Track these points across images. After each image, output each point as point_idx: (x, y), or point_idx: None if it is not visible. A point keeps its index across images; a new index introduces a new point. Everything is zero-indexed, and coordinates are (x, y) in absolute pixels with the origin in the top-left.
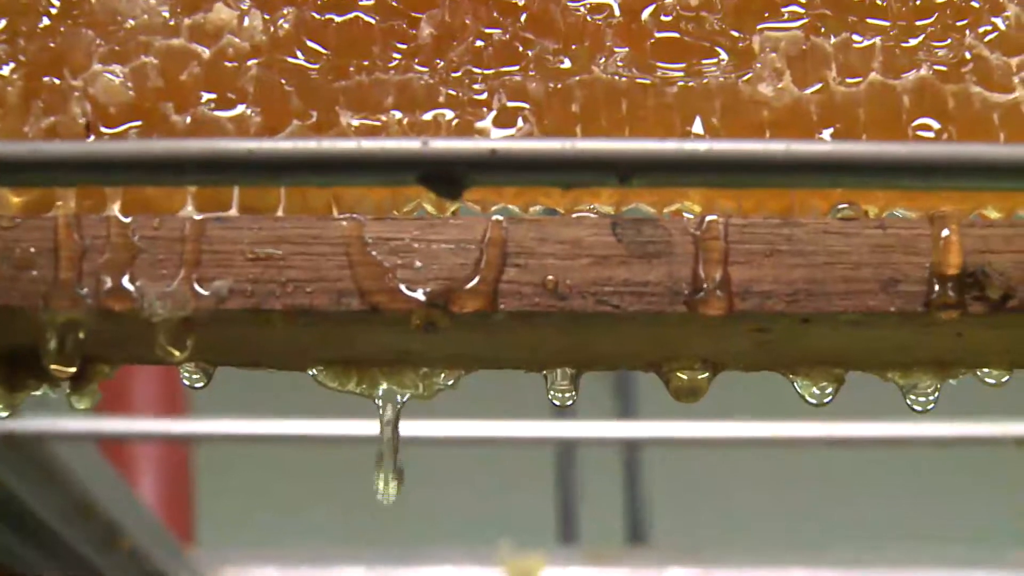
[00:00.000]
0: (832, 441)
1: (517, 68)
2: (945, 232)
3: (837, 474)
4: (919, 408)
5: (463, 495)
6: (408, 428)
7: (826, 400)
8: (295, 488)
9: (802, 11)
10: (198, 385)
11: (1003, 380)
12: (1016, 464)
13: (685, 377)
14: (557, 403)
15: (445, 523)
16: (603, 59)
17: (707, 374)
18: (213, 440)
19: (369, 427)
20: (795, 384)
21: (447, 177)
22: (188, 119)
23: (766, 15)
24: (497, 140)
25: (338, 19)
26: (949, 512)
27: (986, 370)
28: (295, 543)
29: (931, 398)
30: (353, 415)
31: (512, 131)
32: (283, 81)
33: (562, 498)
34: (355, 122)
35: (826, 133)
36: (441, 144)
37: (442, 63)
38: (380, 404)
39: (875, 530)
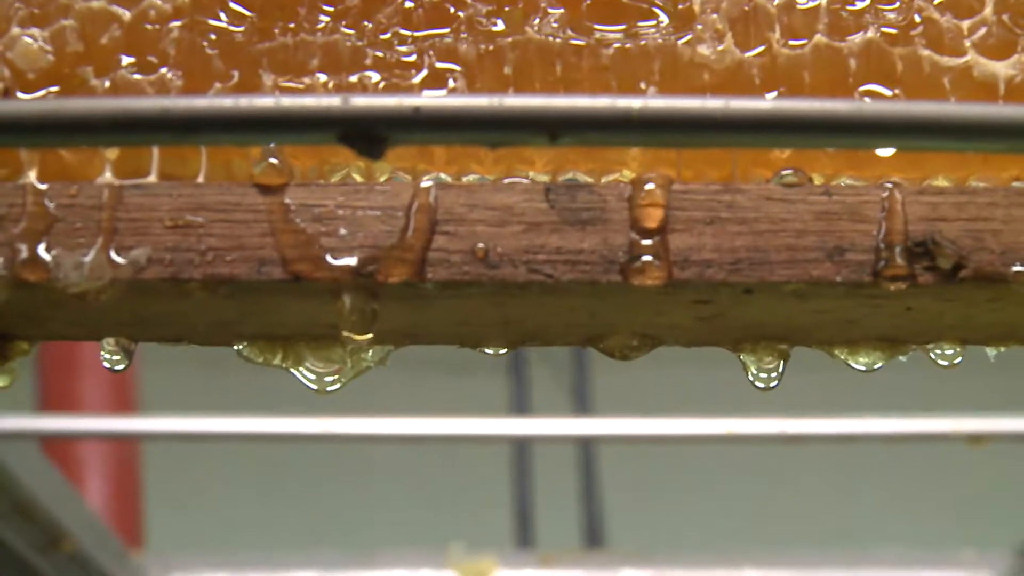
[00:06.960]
0: (789, 438)
1: (448, 30)
2: (894, 199)
3: (794, 474)
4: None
5: (417, 496)
6: (359, 425)
7: (772, 384)
8: (247, 490)
9: None
10: (119, 367)
11: (956, 361)
12: (968, 462)
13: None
14: None
15: (400, 525)
16: (537, 20)
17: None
18: (162, 439)
19: (323, 426)
20: (740, 357)
21: (368, 136)
22: (107, 83)
23: None
24: (421, 97)
25: None
26: (902, 511)
27: (938, 350)
28: (246, 546)
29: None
30: (308, 413)
31: (441, 92)
32: (205, 44)
33: (518, 500)
34: (279, 84)
35: (769, 96)
36: (362, 101)
37: (370, 25)
38: None
39: (830, 530)
